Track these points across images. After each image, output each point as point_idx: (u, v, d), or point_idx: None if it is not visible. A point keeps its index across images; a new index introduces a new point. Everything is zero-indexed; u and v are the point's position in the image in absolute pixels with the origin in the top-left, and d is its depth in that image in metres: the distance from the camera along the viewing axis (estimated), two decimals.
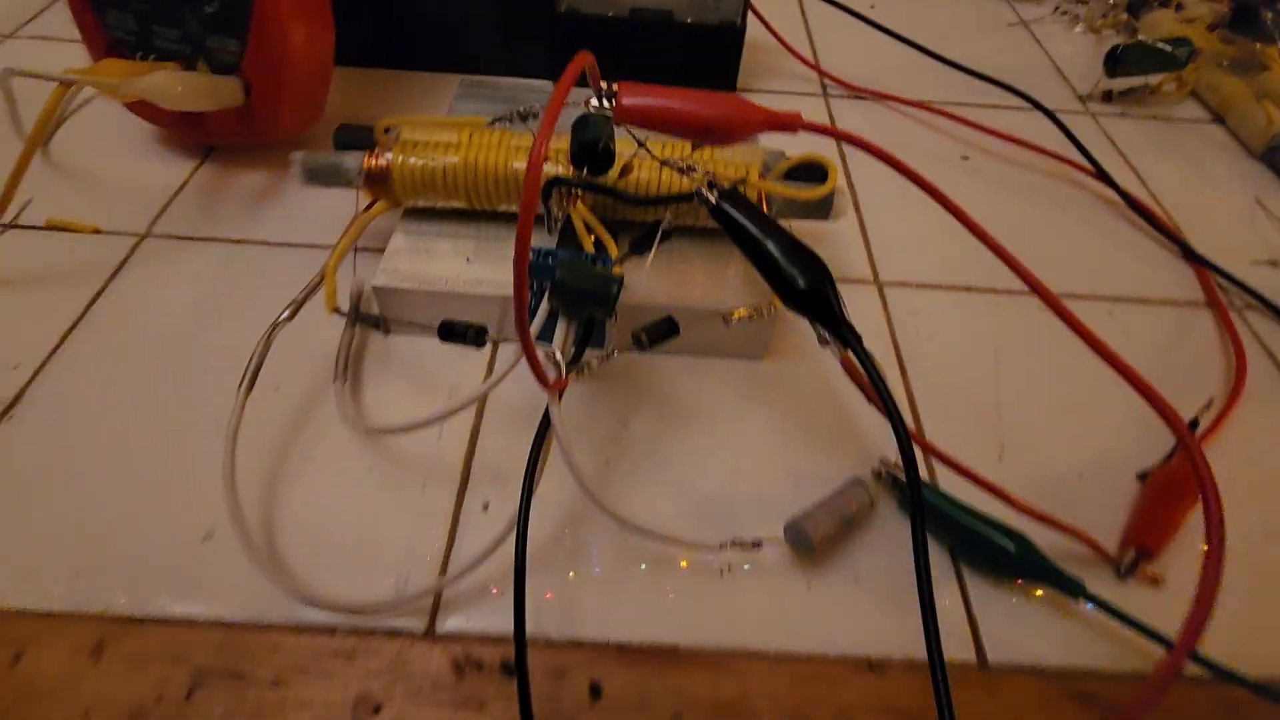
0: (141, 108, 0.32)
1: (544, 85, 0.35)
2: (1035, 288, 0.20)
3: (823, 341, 0.24)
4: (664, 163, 0.22)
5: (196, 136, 0.33)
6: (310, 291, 0.24)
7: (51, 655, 0.19)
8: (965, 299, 0.31)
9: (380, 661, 0.20)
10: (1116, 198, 0.36)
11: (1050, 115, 0.39)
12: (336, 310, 0.24)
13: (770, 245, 0.19)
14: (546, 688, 0.19)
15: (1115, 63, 0.40)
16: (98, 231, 0.30)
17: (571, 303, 0.21)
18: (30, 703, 0.18)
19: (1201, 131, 0.42)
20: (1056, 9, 0.50)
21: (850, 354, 0.19)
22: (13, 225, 0.30)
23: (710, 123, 0.20)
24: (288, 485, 0.23)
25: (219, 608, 0.20)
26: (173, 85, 0.27)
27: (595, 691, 0.19)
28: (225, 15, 0.29)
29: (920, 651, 0.20)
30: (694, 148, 0.23)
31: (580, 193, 0.24)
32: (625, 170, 0.23)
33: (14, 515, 0.22)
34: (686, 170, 0.21)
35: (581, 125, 0.22)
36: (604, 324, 0.22)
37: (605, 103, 0.20)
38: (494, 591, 0.21)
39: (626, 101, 0.20)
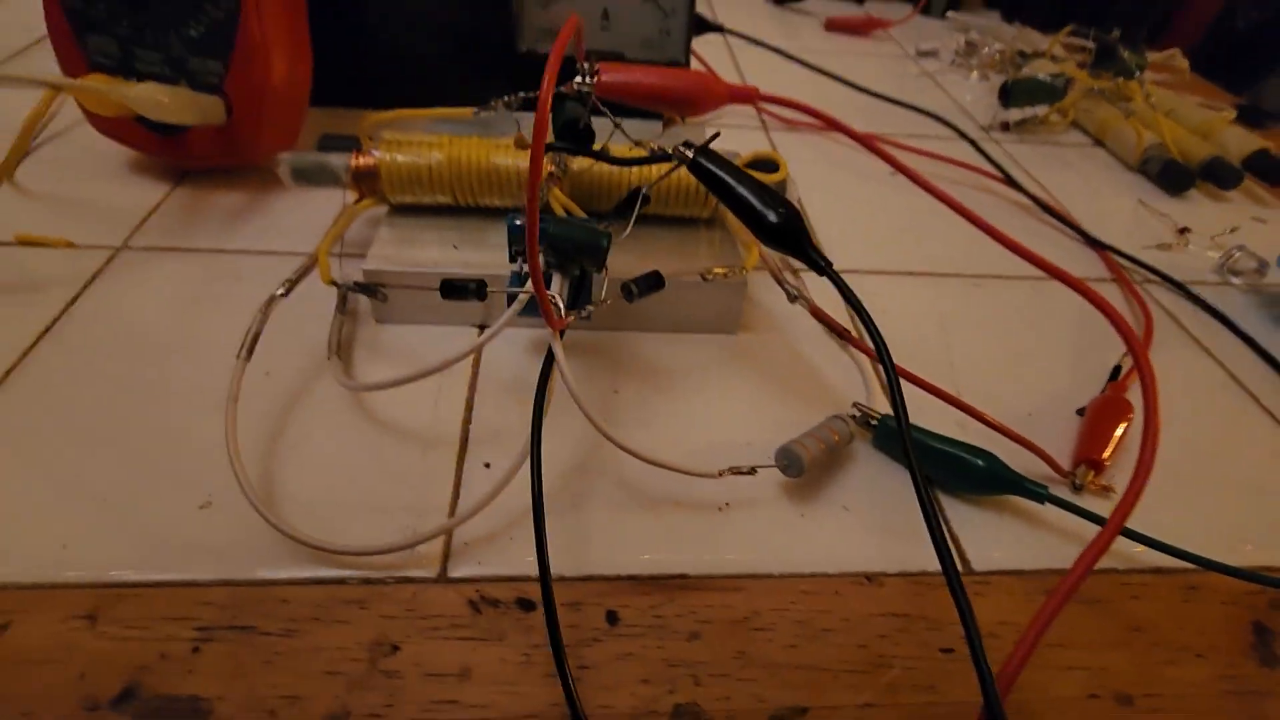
0: (118, 129, 0.33)
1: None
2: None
3: (792, 298, 0.27)
4: (637, 143, 0.25)
5: (174, 157, 0.33)
6: (304, 272, 0.25)
7: (41, 624, 0.18)
8: (907, 280, 0.34)
9: (394, 607, 0.20)
10: (1026, 201, 0.41)
11: (963, 135, 0.44)
12: (333, 283, 0.24)
13: (744, 189, 0.21)
14: (565, 617, 0.20)
15: (1007, 95, 0.46)
16: (70, 245, 0.30)
17: (565, 256, 0.22)
18: (19, 670, 0.17)
19: (1085, 152, 0.48)
20: (952, 61, 0.57)
21: (816, 307, 0.21)
22: None
23: (682, 94, 0.22)
24: (286, 454, 0.23)
25: (222, 570, 0.20)
26: (160, 95, 0.28)
27: (612, 618, 0.20)
28: (209, 37, 0.30)
29: (912, 564, 0.22)
30: (664, 125, 0.25)
31: (560, 176, 0.26)
32: (645, 199, 0.25)
33: None
34: (660, 152, 0.23)
35: (559, 108, 0.24)
36: (590, 286, 0.24)
37: (587, 79, 0.22)
38: (506, 538, 0.21)
39: (606, 78, 0.22)
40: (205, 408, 0.24)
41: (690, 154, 0.22)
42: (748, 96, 0.23)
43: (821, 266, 0.21)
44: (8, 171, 0.27)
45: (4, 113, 0.32)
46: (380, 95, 0.42)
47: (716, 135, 0.22)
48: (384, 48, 0.40)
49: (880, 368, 0.28)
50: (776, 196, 0.21)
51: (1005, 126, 0.49)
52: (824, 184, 0.41)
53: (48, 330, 0.26)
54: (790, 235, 0.21)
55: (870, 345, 0.27)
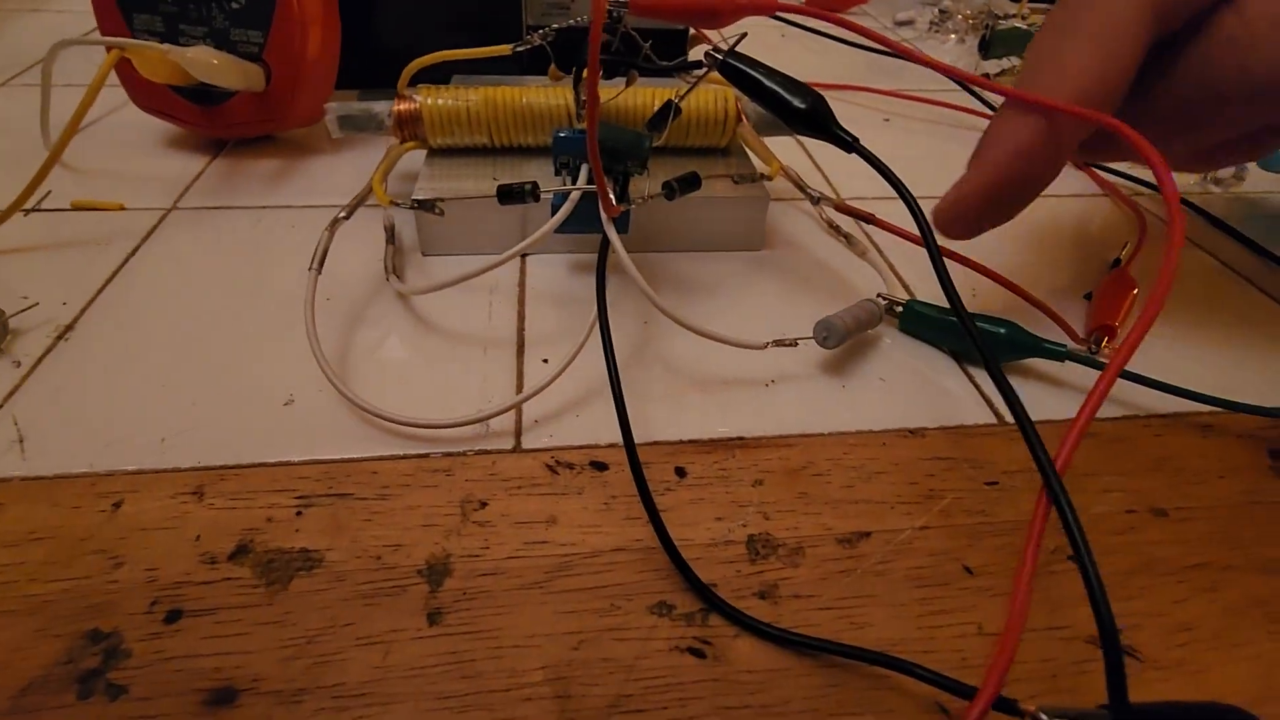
0: (161, 102, 0.34)
1: (522, 79, 0.40)
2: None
3: (814, 200, 0.28)
4: (664, 65, 0.27)
5: (214, 127, 0.35)
6: (360, 200, 0.27)
7: (152, 500, 0.20)
8: None
9: (477, 473, 0.21)
10: None
11: (952, 77, 0.46)
12: (392, 203, 0.26)
13: (772, 83, 0.23)
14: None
15: (987, 46, 0.49)
16: (123, 208, 0.32)
17: (611, 157, 0.24)
18: (140, 536, 0.19)
19: None
20: (929, 28, 0.60)
21: (839, 201, 0.23)
22: (36, 209, 0.31)
23: (708, 6, 0.24)
24: (357, 361, 0.24)
25: (313, 451, 0.21)
26: (210, 58, 0.30)
27: (681, 473, 0.21)
28: (251, 9, 0.32)
29: (950, 420, 0.24)
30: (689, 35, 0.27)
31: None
32: (677, 111, 0.27)
33: (88, 402, 0.22)
34: (698, 63, 0.25)
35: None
36: (629, 190, 0.25)
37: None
38: (572, 415, 0.23)
39: None
40: (276, 325, 0.25)
41: (720, 56, 0.24)
42: (769, 6, 0.25)
43: (848, 143, 0.22)
44: (69, 137, 0.29)
45: (23, 114, 0.34)
46: (392, 78, 0.44)
47: (744, 36, 0.24)
48: (393, 31, 0.42)
49: (898, 277, 0.31)
50: (802, 86, 0.23)
51: (986, 78, 0.51)
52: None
53: (116, 272, 0.28)
54: (817, 118, 0.23)
55: (892, 224, 0.29)
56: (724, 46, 0.24)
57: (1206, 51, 0.21)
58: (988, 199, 0.22)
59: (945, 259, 0.26)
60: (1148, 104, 0.23)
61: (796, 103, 0.23)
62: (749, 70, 0.23)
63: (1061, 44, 0.21)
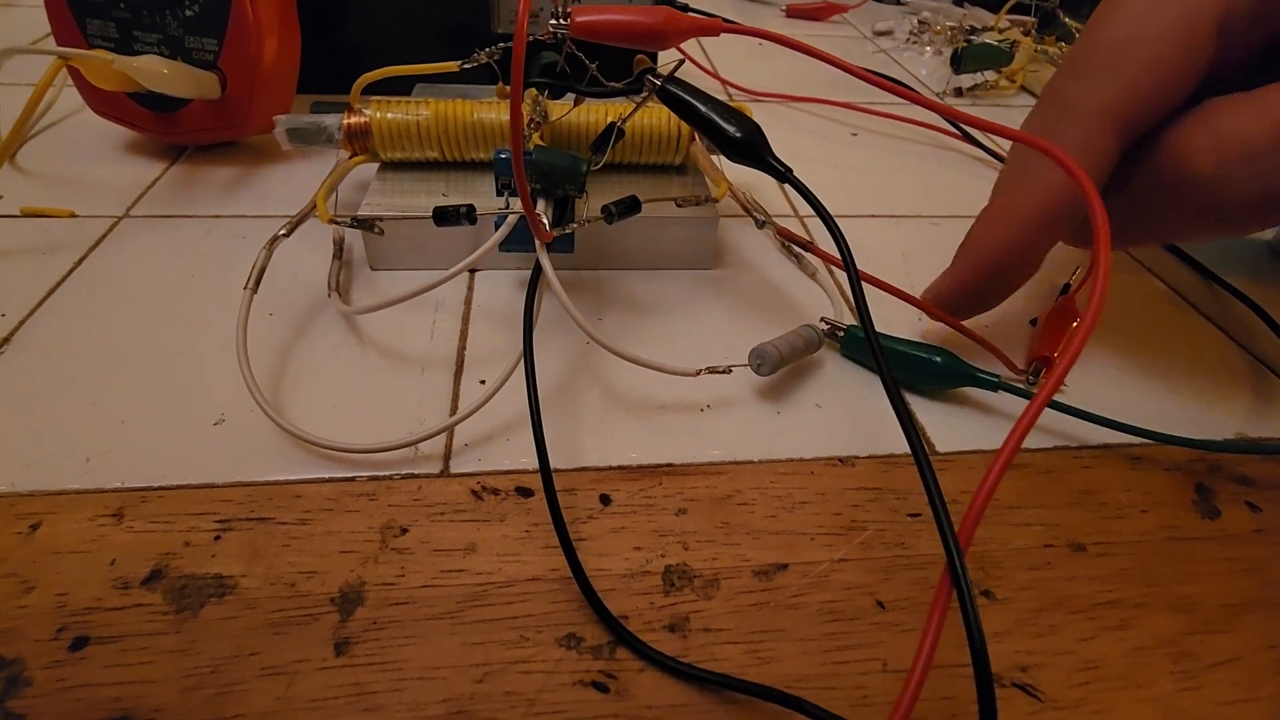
0: (116, 108, 0.34)
1: (488, 88, 0.40)
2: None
3: (760, 224, 0.28)
4: (611, 84, 0.27)
5: (170, 134, 0.35)
6: (303, 216, 0.27)
7: (70, 522, 0.20)
8: (871, 222, 0.36)
9: (401, 498, 0.21)
10: (983, 155, 0.44)
11: (920, 95, 0.46)
12: (332, 220, 0.26)
13: (708, 109, 0.23)
14: (562, 501, 0.21)
15: (959, 61, 0.49)
16: (73, 215, 0.32)
17: (549, 180, 0.24)
18: (54, 560, 0.19)
19: None
20: (907, 39, 0.60)
21: (782, 228, 0.23)
22: None
23: (651, 28, 0.24)
24: (293, 382, 0.24)
25: (238, 473, 0.21)
26: (160, 67, 0.30)
27: (605, 500, 0.21)
28: (205, 16, 0.32)
29: (881, 448, 0.24)
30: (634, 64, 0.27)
31: (540, 123, 0.28)
32: (620, 134, 0.27)
33: (16, 419, 0.22)
34: (637, 79, 0.25)
35: (535, 55, 0.26)
36: (571, 211, 0.25)
37: (562, 21, 0.24)
38: (503, 439, 0.23)
39: (580, 19, 0.24)
40: (215, 342, 0.25)
41: (658, 82, 0.24)
42: (713, 28, 0.25)
43: (781, 173, 0.23)
44: (15, 142, 0.29)
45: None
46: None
47: (681, 63, 0.24)
48: (362, 40, 0.42)
49: (844, 284, 0.31)
50: (738, 114, 0.23)
51: (959, 92, 0.52)
52: (788, 145, 0.43)
53: (60, 284, 0.28)
54: (751, 147, 0.23)
55: (830, 254, 0.29)
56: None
57: (1174, 174, 0.22)
58: (966, 292, 0.26)
59: (891, 290, 0.27)
60: (1122, 201, 0.24)
61: (732, 131, 0.23)
62: (685, 96, 0.23)
63: (1035, 159, 0.24)
